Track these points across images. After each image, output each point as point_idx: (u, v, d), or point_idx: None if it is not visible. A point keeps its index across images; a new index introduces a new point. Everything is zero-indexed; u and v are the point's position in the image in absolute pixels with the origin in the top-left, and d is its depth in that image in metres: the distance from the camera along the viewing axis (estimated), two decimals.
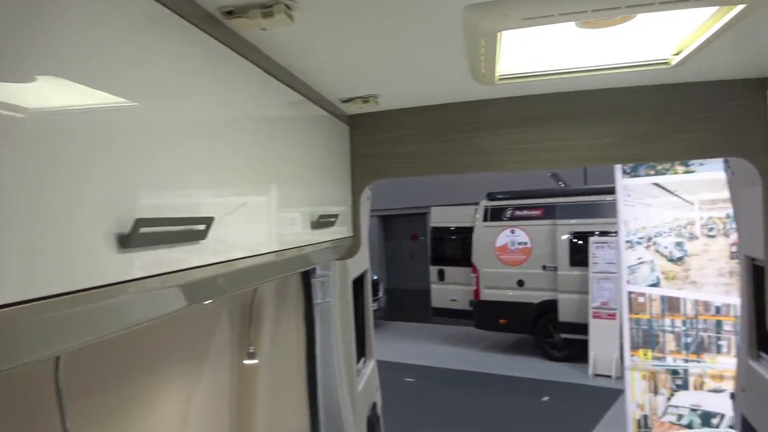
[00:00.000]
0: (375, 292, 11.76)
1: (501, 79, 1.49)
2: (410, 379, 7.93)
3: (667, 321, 5.24)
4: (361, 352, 3.13)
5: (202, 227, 0.84)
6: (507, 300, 9.38)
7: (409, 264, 17.31)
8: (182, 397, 1.66)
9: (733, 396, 3.24)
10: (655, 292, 5.29)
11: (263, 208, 1.19)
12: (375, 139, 1.94)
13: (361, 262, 2.89)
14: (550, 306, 8.99)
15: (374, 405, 3.00)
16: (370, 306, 3.21)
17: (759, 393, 2.77)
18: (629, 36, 1.23)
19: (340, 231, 1.85)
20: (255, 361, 1.90)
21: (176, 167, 0.84)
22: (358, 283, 3.06)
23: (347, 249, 2.05)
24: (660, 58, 1.41)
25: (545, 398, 7.08)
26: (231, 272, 1.03)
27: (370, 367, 3.05)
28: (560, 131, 1.81)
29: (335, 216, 1.70)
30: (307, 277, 2.36)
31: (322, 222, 1.57)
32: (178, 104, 0.87)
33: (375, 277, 12.17)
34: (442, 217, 10.54)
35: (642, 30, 1.22)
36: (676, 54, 1.38)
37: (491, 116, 1.84)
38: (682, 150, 1.78)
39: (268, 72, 1.26)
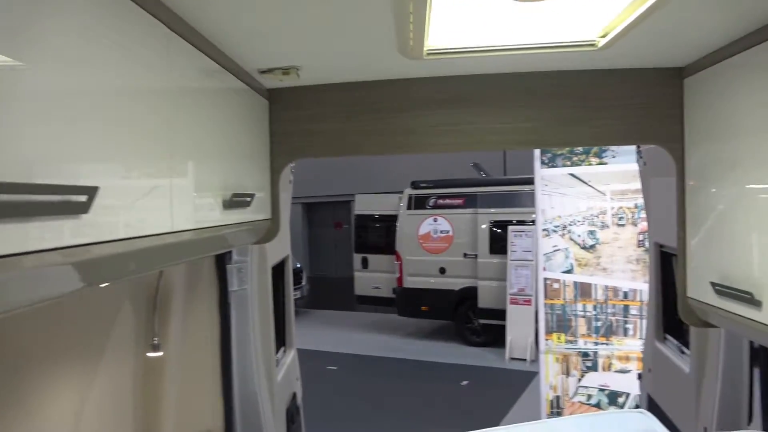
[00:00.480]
0: (298, 280, 11.61)
1: (429, 53, 1.43)
2: (333, 367, 7.88)
3: (579, 306, 5.47)
4: (281, 341, 3.02)
5: (82, 198, 0.71)
6: (429, 287, 9.51)
7: (333, 252, 17.20)
8: (76, 392, 1.49)
9: (640, 376, 3.43)
10: (569, 278, 5.51)
11: (165, 183, 1.06)
12: (296, 115, 1.83)
13: (281, 248, 2.77)
14: (470, 293, 9.21)
15: (294, 395, 2.90)
16: (291, 294, 3.10)
17: (664, 372, 2.93)
18: (559, 13, 1.20)
19: (257, 213, 1.73)
20: (160, 354, 1.75)
21: (54, 132, 0.71)
22: (278, 269, 2.94)
23: (265, 232, 1.93)
24: (587, 39, 1.40)
25: (464, 382, 7.24)
26: (126, 253, 0.90)
27: (290, 356, 2.95)
28: (487, 114, 1.78)
29: (251, 196, 1.58)
30: (222, 262, 2.22)
31: (235, 202, 1.45)
32: (61, 60, 0.74)
33: (298, 265, 11.97)
34: (366, 204, 10.51)
35: (571, 8, 1.19)
36: (603, 36, 1.38)
37: (417, 96, 1.78)
38: (603, 136, 1.80)
39: (175, 31, 1.12)
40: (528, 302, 8.62)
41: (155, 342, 1.74)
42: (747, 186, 1.44)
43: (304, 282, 11.70)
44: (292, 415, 2.75)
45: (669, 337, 2.99)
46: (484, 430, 2.06)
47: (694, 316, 1.80)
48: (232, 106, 1.54)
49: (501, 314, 8.71)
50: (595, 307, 5.42)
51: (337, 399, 6.53)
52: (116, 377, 1.68)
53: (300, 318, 11.58)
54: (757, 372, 2.20)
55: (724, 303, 1.56)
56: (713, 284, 1.59)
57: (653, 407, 2.87)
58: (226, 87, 1.50)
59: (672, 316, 3.07)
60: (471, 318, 9.32)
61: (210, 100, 1.38)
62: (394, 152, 1.85)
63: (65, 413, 1.45)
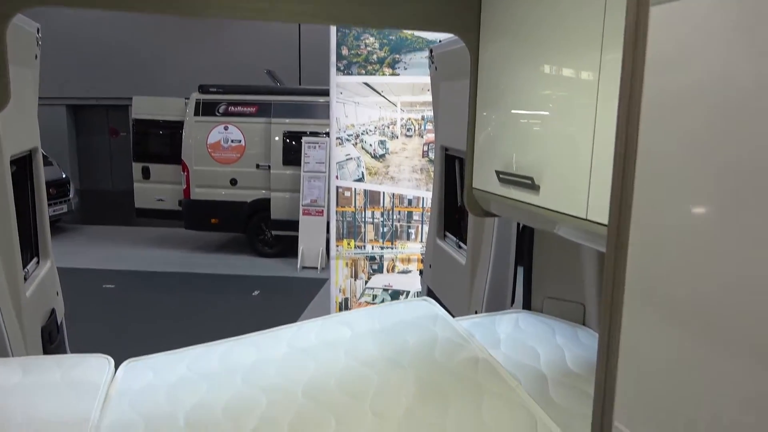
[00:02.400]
0: (64, 193, 10.15)
1: None
2: (109, 286, 7.17)
3: (369, 213, 5.68)
4: (33, 252, 2.53)
5: None
6: (219, 199, 9.08)
7: (109, 163, 15.39)
8: None
9: (421, 273, 3.68)
10: (360, 186, 5.65)
11: None
12: None
13: (23, 137, 2.24)
14: (263, 204, 9.03)
15: (52, 312, 2.48)
16: (44, 198, 2.58)
17: (442, 267, 3.17)
18: None
19: None
20: None
21: None
22: (23, 165, 2.41)
23: None
24: None
25: (256, 292, 7.19)
26: None
27: (45, 269, 2.49)
28: None
29: None
30: None
31: None
32: None
33: (63, 176, 10.42)
34: (146, 108, 9.40)
35: None
36: None
37: None
38: (404, 19, 1.71)
39: None
40: (320, 213, 8.76)
41: None
42: (534, 72, 1.48)
43: (71, 195, 10.29)
44: (50, 333, 2.36)
45: (449, 234, 3.22)
46: (277, 327, 1.97)
47: (478, 207, 1.89)
48: None
49: (294, 225, 8.74)
50: (382, 214, 5.68)
51: (116, 318, 5.99)
52: None
53: (68, 234, 10.26)
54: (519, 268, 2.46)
55: (506, 190, 1.63)
56: (498, 173, 1.65)
57: (432, 298, 3.09)
58: None
59: (452, 215, 3.29)
60: (263, 230, 9.20)
61: None
62: (173, 11, 1.53)
63: None
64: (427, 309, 2.07)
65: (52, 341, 2.38)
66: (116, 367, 1.79)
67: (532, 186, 1.46)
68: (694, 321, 0.58)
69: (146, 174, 9.44)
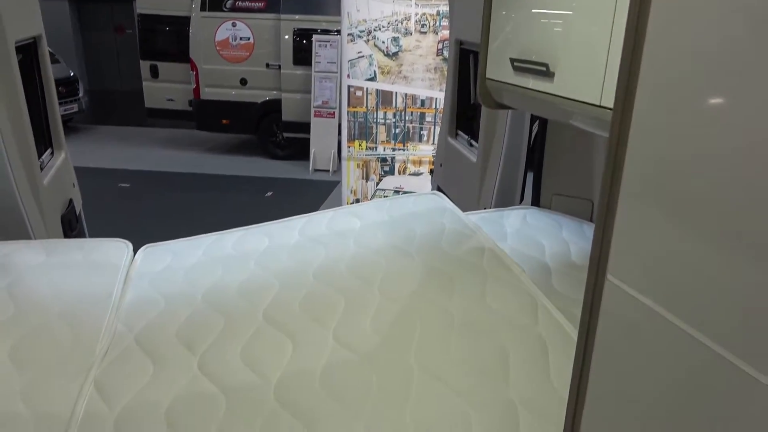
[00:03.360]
0: (73, 92, 10.05)
1: None
2: (125, 185, 7.29)
3: (380, 114, 5.61)
4: (47, 143, 2.56)
5: None
6: (230, 99, 8.96)
7: (116, 62, 15.08)
8: None
9: (432, 172, 3.69)
10: (372, 86, 5.53)
11: None
12: None
13: (27, 22, 2.19)
14: (274, 106, 8.91)
15: (70, 202, 2.55)
16: (53, 87, 2.56)
17: (453, 165, 3.17)
18: None
19: None
20: None
21: None
22: (28, 53, 2.37)
23: None
24: None
25: (269, 193, 7.29)
26: None
27: (60, 159, 2.52)
28: None
29: None
30: None
31: None
32: None
33: (71, 74, 10.27)
34: (151, 3, 9.05)
35: None
36: None
37: None
38: None
39: None
40: (332, 115, 8.64)
41: None
42: None
43: (81, 93, 10.20)
44: (69, 222, 2.43)
45: (461, 132, 3.18)
46: (288, 218, 2.01)
47: (491, 98, 1.85)
48: None
49: (305, 127, 8.66)
50: (394, 115, 5.59)
51: (134, 215, 6.14)
52: None
53: (81, 134, 10.27)
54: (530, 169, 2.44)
55: (520, 79, 1.59)
56: (512, 60, 1.60)
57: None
58: None
59: (464, 113, 3.24)
60: (275, 131, 9.14)
61: None
62: None
63: None
64: (436, 202, 2.10)
65: (72, 229, 2.46)
66: (134, 252, 1.86)
67: (546, 73, 1.42)
68: (692, 207, 0.59)
69: (155, 73, 9.26)
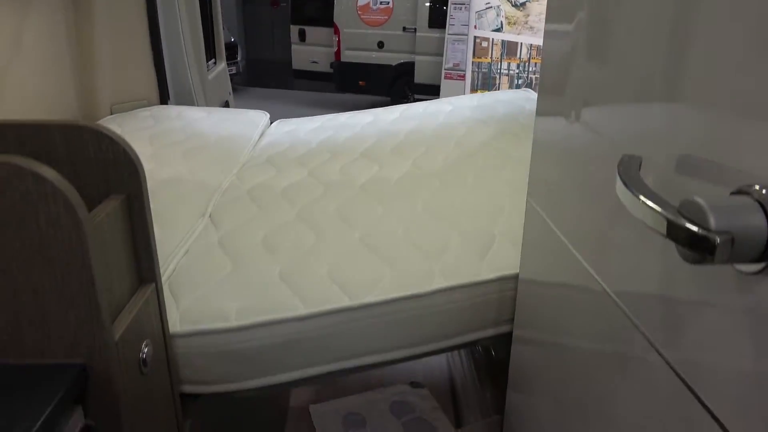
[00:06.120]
0: (233, 55, 11.28)
1: None
2: None
3: (505, 64, 5.76)
4: (211, 53, 3.16)
5: None
6: (367, 62, 9.53)
7: (270, 33, 16.48)
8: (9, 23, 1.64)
9: None
10: (498, 36, 5.69)
11: None
12: None
13: None
14: (407, 68, 9.33)
15: (226, 103, 3.14)
16: (219, 14, 3.15)
17: None
18: None
19: None
20: None
21: None
22: None
23: None
24: None
25: None
26: None
27: (220, 67, 3.12)
28: None
29: None
30: None
31: None
32: None
33: (232, 39, 11.52)
34: None
35: None
36: None
37: None
38: None
39: None
40: (462, 77, 8.84)
41: None
42: None
43: (239, 57, 11.42)
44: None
45: None
46: (392, 106, 2.38)
47: None
48: None
49: (435, 90, 8.96)
50: (518, 66, 5.71)
51: None
52: (49, 17, 1.81)
53: (238, 93, 11.53)
54: None
55: None
56: None
57: None
58: None
59: None
60: (407, 93, 9.57)
61: None
62: None
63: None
64: (525, 94, 2.34)
65: None
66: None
67: None
68: None
69: (302, 37, 10.12)
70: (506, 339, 1.18)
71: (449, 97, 2.41)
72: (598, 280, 0.68)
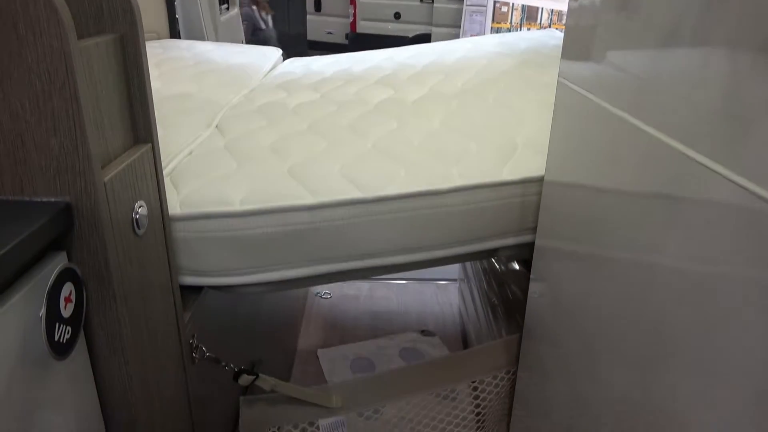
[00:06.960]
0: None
1: None
2: None
3: (524, 29, 5.61)
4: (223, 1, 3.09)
5: None
6: (383, 33, 9.38)
7: (285, 5, 16.31)
8: None
9: None
10: (518, 1, 5.54)
11: None
12: None
13: None
14: (424, 39, 9.16)
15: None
16: None
17: None
18: None
19: None
20: None
21: None
22: None
23: None
24: None
25: None
26: None
27: (232, 12, 3.04)
28: None
29: None
30: None
31: None
32: None
33: None
34: None
35: None
36: None
37: None
38: None
39: None
40: None
41: None
42: None
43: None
44: None
45: None
46: (417, 45, 2.29)
47: None
48: None
49: None
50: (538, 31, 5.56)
51: None
52: None
53: None
54: None
55: None
56: None
57: None
58: None
59: None
60: None
61: None
62: None
63: None
64: (550, 32, 2.24)
65: None
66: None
67: None
68: None
69: (318, 6, 9.98)
70: (528, 250, 1.11)
71: (469, 37, 2.31)
72: (647, 130, 0.60)
